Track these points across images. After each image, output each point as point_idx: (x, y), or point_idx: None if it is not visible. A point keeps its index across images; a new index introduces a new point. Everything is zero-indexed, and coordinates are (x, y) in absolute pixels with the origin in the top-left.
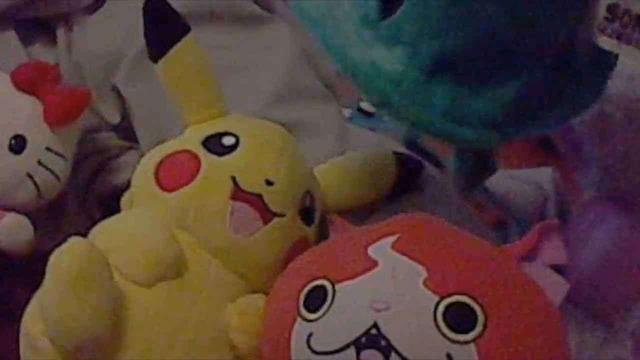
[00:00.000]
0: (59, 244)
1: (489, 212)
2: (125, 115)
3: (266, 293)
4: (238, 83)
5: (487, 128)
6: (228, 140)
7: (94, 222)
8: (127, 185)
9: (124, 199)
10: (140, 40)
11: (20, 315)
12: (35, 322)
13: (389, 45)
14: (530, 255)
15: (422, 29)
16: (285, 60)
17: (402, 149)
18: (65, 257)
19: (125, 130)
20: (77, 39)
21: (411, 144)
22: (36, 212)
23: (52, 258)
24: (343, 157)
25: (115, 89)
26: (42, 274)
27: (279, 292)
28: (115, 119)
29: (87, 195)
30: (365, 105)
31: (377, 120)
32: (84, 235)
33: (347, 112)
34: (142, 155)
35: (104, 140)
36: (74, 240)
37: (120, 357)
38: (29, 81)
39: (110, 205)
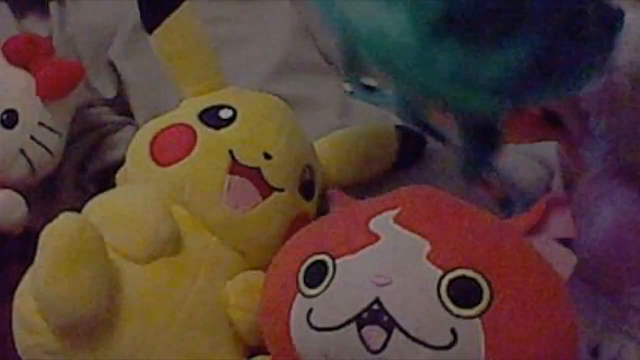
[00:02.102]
0: (50, 221)
1: (492, 188)
2: (120, 90)
3: (265, 270)
4: (237, 56)
5: (495, 94)
6: (225, 113)
7: (90, 199)
8: (123, 161)
9: (119, 175)
10: (134, 14)
11: (13, 294)
12: (28, 300)
13: (391, 7)
14: (537, 229)
15: None
16: (285, 34)
17: (404, 123)
18: (57, 232)
19: (121, 106)
20: (71, 12)
21: (413, 118)
22: (30, 189)
23: (44, 234)
24: (344, 131)
25: (110, 63)
26: (35, 252)
27: (278, 268)
28: (110, 93)
29: (82, 172)
30: (367, 80)
31: (379, 95)
32: (79, 212)
33: (348, 87)
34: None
35: (99, 115)
36: (65, 216)
37: (117, 335)
38: (21, 54)
39: (105, 182)
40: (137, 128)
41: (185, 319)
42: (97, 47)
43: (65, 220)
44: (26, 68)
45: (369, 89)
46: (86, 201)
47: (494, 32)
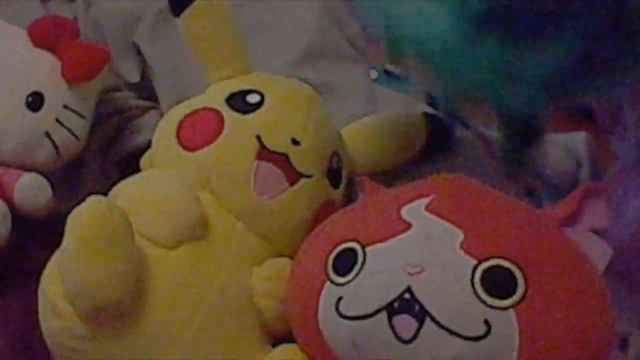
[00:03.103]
0: (77, 204)
1: (518, 178)
2: (144, 75)
3: (292, 257)
4: (262, 42)
5: (538, 90)
6: (253, 98)
7: (113, 184)
8: (147, 146)
9: (144, 160)
10: None
11: (39, 276)
12: (54, 283)
13: (439, 3)
14: (572, 219)
15: None
16: (312, 19)
17: (430, 110)
18: (85, 216)
19: (145, 90)
20: None
21: (439, 105)
22: (54, 173)
23: (71, 217)
24: (371, 118)
25: (135, 47)
26: (60, 236)
27: (306, 255)
28: (135, 77)
29: (106, 157)
30: (391, 67)
31: (403, 82)
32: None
33: (372, 74)
34: (162, 116)
35: (123, 100)
36: (93, 199)
37: (143, 320)
38: (47, 37)
39: (129, 166)
40: (162, 113)
41: (212, 305)
42: (122, 30)
43: (93, 204)
44: (52, 51)
45: (393, 76)
46: (111, 185)
47: (537, 28)
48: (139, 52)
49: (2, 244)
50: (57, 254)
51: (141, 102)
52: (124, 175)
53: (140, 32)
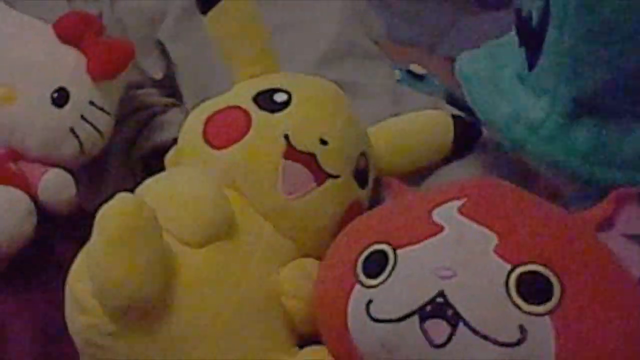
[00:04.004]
0: (104, 202)
1: (545, 182)
2: (168, 72)
3: (319, 258)
4: (288, 40)
5: (636, 170)
6: (280, 97)
7: (137, 181)
8: (171, 143)
9: (169, 157)
10: None
11: (65, 272)
12: (81, 281)
13: (536, 94)
14: (605, 224)
15: (560, 75)
16: (336, 19)
17: (456, 112)
18: (113, 213)
19: (168, 87)
20: None
21: (463, 107)
22: (79, 169)
23: (100, 214)
24: (398, 119)
25: (159, 45)
26: (86, 232)
27: (335, 257)
28: (158, 75)
29: (129, 154)
30: (415, 67)
31: (427, 84)
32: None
33: (396, 74)
34: (185, 113)
35: (147, 97)
36: (122, 196)
37: (169, 319)
38: (72, 32)
39: (153, 164)
40: (186, 110)
41: (238, 304)
42: (146, 27)
43: (121, 201)
44: (77, 47)
45: (417, 76)
46: (135, 183)
47: (632, 109)
48: (162, 49)
49: (28, 239)
50: (85, 251)
51: (165, 100)
52: (147, 172)
53: (164, 29)
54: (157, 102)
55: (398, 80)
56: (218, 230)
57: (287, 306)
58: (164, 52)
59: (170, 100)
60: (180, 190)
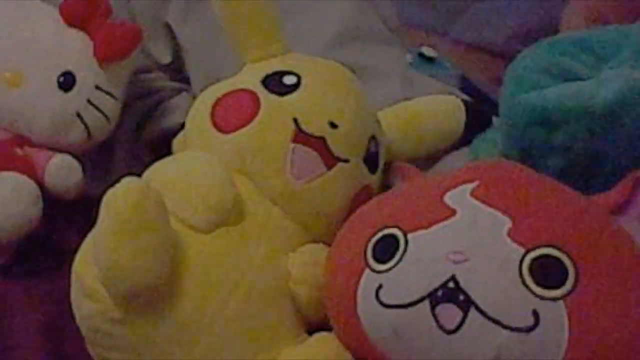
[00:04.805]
0: (110, 186)
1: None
2: (176, 56)
3: (328, 243)
4: (299, 23)
5: None
6: (289, 80)
7: (145, 167)
8: (179, 128)
9: (177, 142)
10: None
11: (71, 258)
12: (88, 266)
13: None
14: (621, 208)
15: None
16: (347, 1)
17: (467, 97)
18: (120, 197)
19: (176, 71)
20: None
21: (474, 92)
22: (85, 154)
23: (106, 198)
24: (409, 103)
25: (167, 28)
26: (93, 217)
27: (344, 242)
28: (166, 59)
29: (137, 138)
30: (427, 50)
31: (438, 66)
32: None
33: (408, 58)
34: (194, 97)
35: (155, 81)
36: (128, 180)
37: (178, 305)
38: (79, 15)
39: (161, 148)
40: (193, 94)
41: (246, 290)
42: (154, 10)
43: (127, 185)
44: (84, 30)
45: (429, 59)
46: (143, 168)
47: None
48: (170, 33)
49: (35, 225)
50: (91, 236)
51: (172, 84)
52: (155, 157)
53: (172, 11)
54: (165, 87)
55: (410, 63)
56: (225, 215)
57: (296, 292)
58: (172, 36)
59: (177, 84)
60: (187, 174)
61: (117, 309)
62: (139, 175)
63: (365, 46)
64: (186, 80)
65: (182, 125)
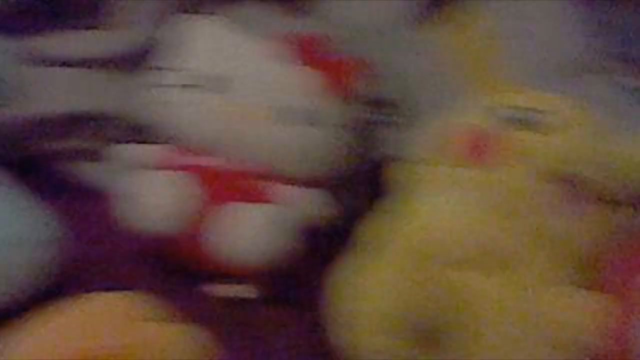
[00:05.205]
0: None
1: None
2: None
3: (589, 287)
4: (516, 52)
5: None
6: (532, 117)
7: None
8: (389, 159)
9: (396, 175)
10: None
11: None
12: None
13: None
14: None
15: None
16: (567, 30)
17: None
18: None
19: (379, 102)
20: (332, 9)
21: None
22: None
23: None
24: None
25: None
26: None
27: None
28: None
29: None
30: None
31: None
32: None
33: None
34: (400, 129)
35: (362, 112)
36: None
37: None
38: (303, 51)
39: (372, 180)
40: (396, 124)
41: (534, 336)
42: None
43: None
44: (309, 65)
45: None
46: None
47: None
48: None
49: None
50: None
51: (377, 116)
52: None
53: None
54: (371, 119)
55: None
56: (498, 258)
57: (580, 341)
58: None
59: (383, 116)
60: (451, 216)
61: (405, 347)
62: None
63: (594, 78)
64: (392, 110)
65: (393, 158)
